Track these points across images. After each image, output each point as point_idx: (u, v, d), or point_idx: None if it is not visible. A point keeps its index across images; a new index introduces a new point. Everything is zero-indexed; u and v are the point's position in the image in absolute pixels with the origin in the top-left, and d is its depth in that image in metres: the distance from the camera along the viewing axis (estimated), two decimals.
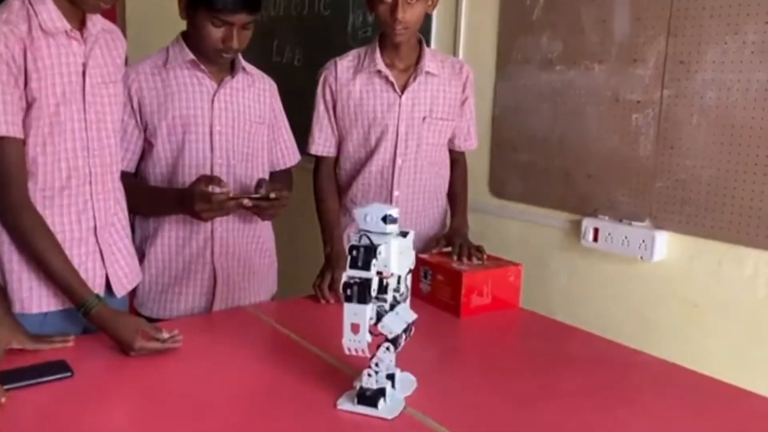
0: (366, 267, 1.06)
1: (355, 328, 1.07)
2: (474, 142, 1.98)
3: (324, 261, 1.74)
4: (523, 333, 1.60)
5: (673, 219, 1.81)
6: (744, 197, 1.65)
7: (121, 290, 1.45)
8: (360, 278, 1.07)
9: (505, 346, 1.49)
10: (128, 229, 1.52)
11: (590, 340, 1.51)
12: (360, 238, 1.08)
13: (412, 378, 1.18)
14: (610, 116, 1.93)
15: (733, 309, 1.71)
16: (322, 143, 1.83)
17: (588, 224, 1.97)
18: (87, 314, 1.27)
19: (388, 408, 1.10)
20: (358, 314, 1.07)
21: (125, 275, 1.47)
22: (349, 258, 1.07)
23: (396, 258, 1.10)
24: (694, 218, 1.76)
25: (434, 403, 1.15)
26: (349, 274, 1.07)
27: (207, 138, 1.59)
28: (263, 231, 1.75)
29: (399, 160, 1.80)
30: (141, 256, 1.64)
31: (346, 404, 1.11)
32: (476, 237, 1.96)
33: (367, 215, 1.09)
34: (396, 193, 1.82)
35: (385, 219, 1.09)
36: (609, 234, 1.92)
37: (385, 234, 1.09)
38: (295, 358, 1.32)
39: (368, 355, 1.10)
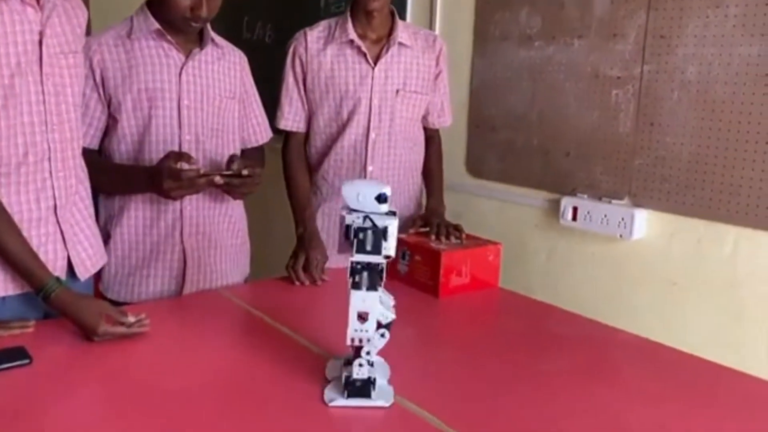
0: (377, 251, 1.00)
1: (362, 316, 1.01)
2: (448, 119, 1.94)
3: (297, 242, 1.69)
4: (503, 313, 1.57)
5: (652, 197, 1.79)
6: (725, 174, 1.63)
7: (84, 273, 1.38)
8: (368, 263, 1.01)
9: (486, 327, 1.46)
10: (91, 209, 1.45)
11: (571, 319, 1.48)
12: (364, 219, 1.01)
13: (384, 362, 1.13)
14: (590, 92, 1.89)
15: (712, 287, 1.70)
16: (292, 118, 1.77)
17: (567, 203, 1.95)
18: (47, 298, 1.20)
19: (381, 396, 1.04)
20: (366, 302, 1.00)
21: (88, 257, 1.40)
22: (355, 242, 1.00)
23: (395, 241, 1.04)
24: (674, 196, 1.74)
25: (416, 387, 1.10)
26: (355, 259, 1.00)
27: (174, 113, 1.52)
28: (235, 210, 1.69)
29: (372, 134, 1.75)
30: (106, 237, 1.57)
31: (338, 400, 1.03)
32: (454, 217, 1.92)
33: (359, 194, 1.03)
34: (370, 168, 1.77)
35: (379, 198, 1.03)
36: (588, 212, 1.90)
37: (381, 215, 1.03)
38: (269, 342, 1.27)
39: (376, 345, 1.03)
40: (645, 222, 1.81)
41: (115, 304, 1.46)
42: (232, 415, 1.01)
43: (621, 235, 1.83)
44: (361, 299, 1.00)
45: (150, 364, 1.18)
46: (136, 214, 1.56)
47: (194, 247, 1.60)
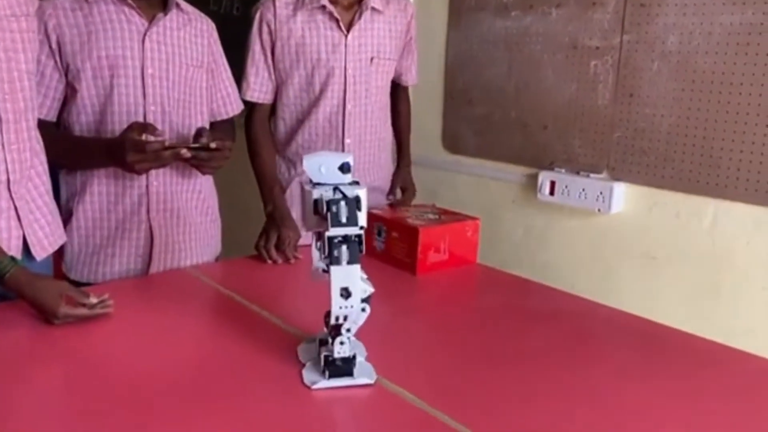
0: (353, 222, 0.94)
1: (345, 292, 0.95)
2: (415, 77, 1.89)
3: (267, 220, 1.62)
4: (482, 289, 1.53)
5: (631, 170, 1.76)
6: (705, 146, 1.61)
7: (41, 252, 1.30)
8: (345, 236, 0.95)
9: (465, 304, 1.42)
10: (49, 185, 1.36)
11: (552, 295, 1.45)
12: (333, 191, 0.96)
13: (358, 340, 1.08)
14: (568, 64, 1.85)
15: (691, 260, 1.68)
16: (258, 88, 1.69)
17: (544, 177, 1.91)
18: (1, 279, 1.12)
19: (363, 374, 1.00)
20: (349, 276, 0.95)
21: (46, 236, 1.32)
22: (329, 216, 0.94)
23: (365, 210, 0.98)
24: (653, 169, 1.72)
25: (395, 366, 1.06)
26: (332, 233, 0.95)
27: (138, 82, 1.44)
28: (204, 186, 1.62)
29: (349, 106, 1.68)
30: (68, 215, 1.48)
31: (320, 382, 0.98)
32: (429, 194, 1.87)
33: (321, 165, 0.97)
34: (348, 141, 1.71)
35: (343, 168, 0.97)
36: (566, 187, 1.87)
37: (348, 185, 0.98)
38: (241, 323, 1.21)
39: (357, 321, 0.98)
40: (623, 196, 1.79)
41: (78, 284, 1.38)
42: (205, 400, 0.95)
43: (599, 210, 1.80)
44: (343, 274, 0.95)
45: (115, 347, 1.11)
46: (99, 190, 1.47)
47: (161, 225, 1.53)
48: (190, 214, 1.58)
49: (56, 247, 1.38)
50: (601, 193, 1.79)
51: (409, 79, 1.87)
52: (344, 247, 0.95)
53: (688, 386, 1.03)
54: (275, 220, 1.60)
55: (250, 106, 1.72)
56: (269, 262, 1.55)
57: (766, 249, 1.56)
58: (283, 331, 1.18)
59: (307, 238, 1.54)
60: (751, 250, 1.58)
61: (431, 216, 1.65)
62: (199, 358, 1.10)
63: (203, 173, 1.53)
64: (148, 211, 1.50)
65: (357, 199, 0.95)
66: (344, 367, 0.98)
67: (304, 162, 0.98)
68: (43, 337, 1.11)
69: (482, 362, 1.10)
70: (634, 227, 1.78)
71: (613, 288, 1.81)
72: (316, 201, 0.96)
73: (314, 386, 0.98)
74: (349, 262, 0.94)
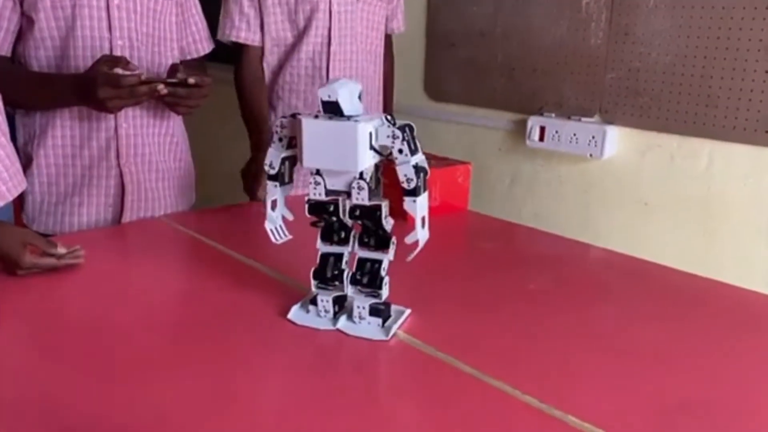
0: (417, 149, 0.88)
1: (423, 221, 0.90)
2: (402, 24, 1.79)
3: (254, 148, 1.56)
4: (476, 235, 1.46)
5: (624, 113, 1.70)
6: (702, 85, 1.55)
7: None
8: (417, 165, 0.87)
9: (461, 250, 1.35)
10: (5, 126, 1.23)
11: (548, 240, 1.39)
12: (384, 122, 0.87)
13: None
14: (558, 2, 1.77)
15: (685, 205, 1.64)
16: (245, 27, 1.56)
17: (534, 123, 1.84)
18: None
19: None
20: (425, 204, 0.91)
21: (3, 181, 1.20)
22: (406, 146, 0.85)
23: None
24: (647, 111, 1.66)
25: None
26: (416, 161, 0.86)
27: (103, 14, 1.31)
28: (176, 130, 1.50)
29: (334, 44, 1.58)
30: (27, 160, 1.36)
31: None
32: None
33: (352, 94, 0.87)
34: None
35: (360, 97, 0.89)
36: (556, 132, 1.80)
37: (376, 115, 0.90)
38: (224, 271, 1.12)
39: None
40: (616, 139, 1.73)
41: (43, 236, 1.28)
42: (188, 355, 0.86)
43: (591, 155, 1.74)
44: (424, 202, 0.89)
45: (86, 298, 1.01)
46: (63, 132, 1.35)
47: (132, 171, 1.41)
48: (163, 160, 1.47)
49: (15, 194, 1.24)
50: (593, 137, 1.73)
51: (395, 26, 1.76)
52: (422, 175, 0.88)
53: (706, 330, 0.98)
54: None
55: (241, 49, 1.58)
56: (258, 196, 1.47)
57: (764, 190, 1.52)
58: (273, 279, 1.09)
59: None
60: (749, 192, 1.54)
61: None
62: (180, 308, 1.01)
63: (178, 113, 1.42)
64: (117, 156, 1.39)
65: (412, 128, 0.89)
66: (385, 311, 0.94)
67: (328, 93, 0.85)
68: (5, 291, 1.01)
69: (486, 306, 1.03)
70: (627, 172, 1.73)
71: (603, 235, 1.76)
72: (370, 134, 0.86)
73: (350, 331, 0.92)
74: (425, 190, 0.89)
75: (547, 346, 0.90)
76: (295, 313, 0.95)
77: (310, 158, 0.87)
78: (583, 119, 1.76)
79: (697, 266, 1.55)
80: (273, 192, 0.92)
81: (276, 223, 0.94)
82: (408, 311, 0.98)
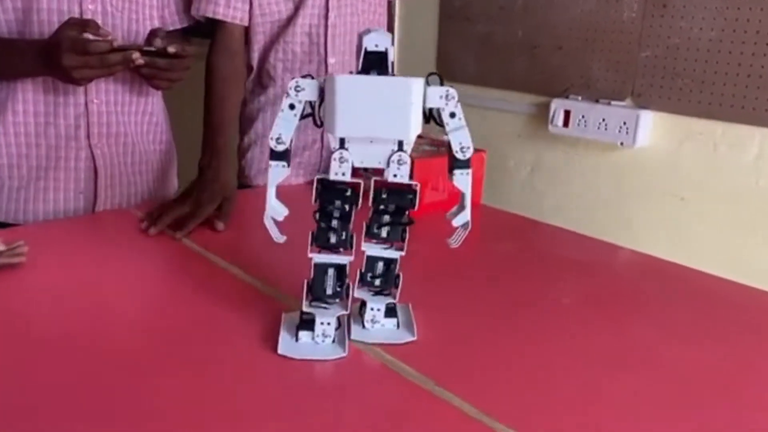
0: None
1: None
2: None
3: (199, 176, 1.23)
4: (490, 233, 1.28)
5: (661, 96, 1.52)
6: (753, 64, 1.37)
7: None
8: None
9: (472, 250, 1.17)
10: None
11: (573, 240, 1.22)
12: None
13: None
14: None
15: (728, 200, 1.46)
16: (223, 2, 1.31)
17: (557, 106, 1.66)
18: None
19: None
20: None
21: None
22: (456, 114, 0.72)
23: None
24: (687, 94, 1.47)
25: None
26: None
27: None
28: (155, 107, 1.34)
29: (332, 16, 1.40)
30: None
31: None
32: (423, 128, 1.60)
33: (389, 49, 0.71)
34: (331, 60, 1.43)
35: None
36: (583, 117, 1.62)
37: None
38: (201, 279, 0.96)
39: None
40: (651, 126, 1.55)
41: (3, 226, 1.13)
42: (156, 368, 0.71)
43: (622, 143, 1.56)
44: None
45: (44, 301, 0.86)
46: (25, 108, 1.19)
47: (105, 153, 1.25)
48: (139, 141, 1.31)
49: None
50: (624, 123, 1.55)
51: None
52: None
53: (754, 346, 0.81)
54: (216, 181, 1.20)
55: (216, 27, 1.35)
56: (178, 236, 1.11)
57: None
58: (254, 289, 0.93)
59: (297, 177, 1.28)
60: None
61: (427, 148, 1.40)
62: (153, 317, 0.85)
63: (157, 87, 1.25)
64: (88, 136, 1.23)
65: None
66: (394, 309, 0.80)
67: (370, 40, 0.69)
68: None
69: (501, 318, 0.87)
70: (663, 163, 1.55)
71: (634, 234, 1.59)
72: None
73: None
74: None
75: (573, 371, 0.74)
76: (286, 345, 0.76)
77: (344, 125, 0.69)
78: (614, 103, 1.58)
79: (741, 271, 1.37)
80: (279, 174, 0.73)
81: (281, 216, 0.74)
82: (409, 305, 0.83)
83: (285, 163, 0.73)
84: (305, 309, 0.76)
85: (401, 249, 0.78)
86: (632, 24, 1.53)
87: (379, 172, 0.74)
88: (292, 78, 1.40)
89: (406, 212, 0.77)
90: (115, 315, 0.84)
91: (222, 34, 1.35)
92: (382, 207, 0.76)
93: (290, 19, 1.40)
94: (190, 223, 1.12)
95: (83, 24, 1.05)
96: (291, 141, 0.73)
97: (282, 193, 0.75)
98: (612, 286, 1.00)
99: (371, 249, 0.78)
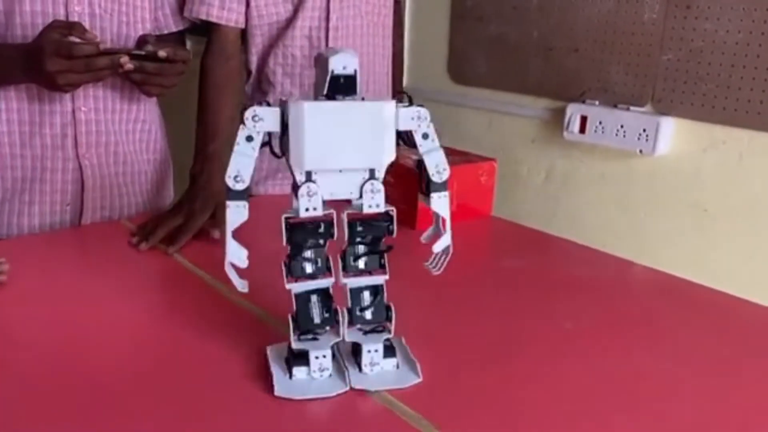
0: None
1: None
2: None
3: (190, 186, 1.18)
4: (500, 249, 1.21)
5: (683, 101, 1.43)
6: None
7: None
8: None
9: (480, 267, 1.11)
10: None
11: (589, 256, 1.14)
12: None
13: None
14: None
15: (754, 213, 1.37)
16: (218, 3, 1.24)
17: (573, 111, 1.58)
18: None
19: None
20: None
21: None
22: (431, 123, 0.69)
23: None
24: (711, 99, 1.38)
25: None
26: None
27: None
28: (149, 114, 1.28)
29: (333, 18, 1.33)
30: None
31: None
32: None
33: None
34: None
35: None
36: (600, 123, 1.54)
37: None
38: (192, 300, 0.91)
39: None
40: (672, 133, 1.46)
41: None
42: (134, 401, 0.65)
43: (641, 151, 1.48)
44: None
45: (23, 321, 0.81)
46: (9, 117, 1.14)
47: (94, 164, 1.20)
48: (131, 151, 1.25)
49: None
50: (644, 130, 1.46)
51: None
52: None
53: None
54: (207, 192, 1.15)
55: (211, 30, 1.29)
56: (171, 250, 1.05)
57: None
58: (241, 311, 0.87)
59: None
60: None
61: None
62: (131, 346, 0.79)
63: (148, 94, 1.19)
64: (75, 146, 1.18)
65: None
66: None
67: (337, 63, 0.62)
68: None
69: (509, 345, 0.80)
70: (684, 173, 1.46)
71: (652, 247, 1.50)
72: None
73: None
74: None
75: (590, 402, 0.66)
76: (282, 385, 0.68)
77: (313, 157, 0.63)
78: (633, 108, 1.50)
79: (765, 288, 1.30)
80: (239, 216, 0.65)
81: (244, 261, 0.67)
82: (402, 339, 0.77)
83: (245, 203, 0.65)
84: (295, 346, 0.69)
85: (384, 274, 0.72)
86: (653, 25, 1.44)
87: (347, 201, 0.68)
88: (292, 84, 1.37)
89: (382, 240, 0.71)
90: (96, 341, 0.78)
91: (216, 37, 1.29)
92: (358, 239, 0.69)
93: (289, 22, 1.33)
94: (183, 237, 1.06)
95: (68, 27, 1.00)
96: (251, 177, 0.66)
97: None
98: (623, 309, 0.92)
99: (352, 282, 0.71)
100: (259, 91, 1.42)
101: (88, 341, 0.78)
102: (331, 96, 0.63)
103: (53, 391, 0.67)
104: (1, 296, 0.87)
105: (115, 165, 1.23)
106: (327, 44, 1.34)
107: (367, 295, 0.72)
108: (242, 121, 0.63)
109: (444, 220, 0.70)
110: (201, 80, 1.27)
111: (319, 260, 0.70)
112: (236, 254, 0.66)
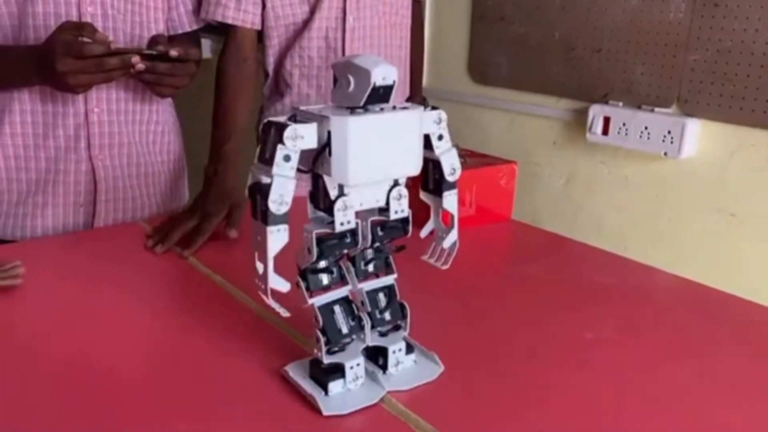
0: None
1: None
2: None
3: (204, 186, 1.17)
4: (520, 255, 1.18)
5: (710, 103, 1.38)
6: None
7: None
8: None
9: (499, 274, 1.07)
10: None
11: (613, 263, 1.10)
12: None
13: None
14: None
15: None
16: (233, 5, 1.23)
17: (596, 112, 1.54)
18: None
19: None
20: None
21: None
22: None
23: None
24: (740, 101, 1.34)
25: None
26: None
27: None
28: (162, 115, 1.27)
29: (350, 19, 1.31)
30: None
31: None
32: (451, 135, 1.51)
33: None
34: None
35: None
36: (623, 124, 1.49)
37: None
38: (205, 304, 0.89)
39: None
40: (698, 136, 1.42)
41: (1, 242, 1.08)
42: (143, 409, 0.63)
43: (666, 153, 1.44)
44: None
45: (39, 324, 0.80)
46: (23, 118, 1.14)
47: (107, 165, 1.19)
48: (144, 152, 1.24)
49: None
50: (669, 132, 1.42)
51: None
52: None
53: None
54: (224, 191, 1.15)
55: (228, 32, 1.28)
56: (186, 253, 1.04)
57: None
58: (264, 322, 0.85)
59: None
60: None
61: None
62: (153, 346, 0.77)
63: (161, 94, 1.18)
64: (88, 147, 1.17)
65: None
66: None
67: (377, 74, 0.59)
68: None
69: (529, 356, 0.77)
70: (710, 176, 1.41)
71: (677, 253, 1.46)
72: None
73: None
74: None
75: (616, 420, 0.63)
76: (326, 404, 0.65)
77: (357, 172, 0.61)
78: (657, 110, 1.45)
79: None
80: (281, 239, 0.61)
81: (286, 288, 0.63)
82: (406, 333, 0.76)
83: (287, 226, 0.61)
84: (327, 360, 0.67)
85: (393, 273, 0.72)
86: (679, 25, 1.40)
87: None
88: (309, 86, 1.34)
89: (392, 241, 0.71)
90: (110, 344, 0.76)
91: (232, 38, 1.28)
92: (377, 244, 0.68)
93: (306, 23, 1.31)
94: (199, 239, 1.05)
95: (78, 27, 0.99)
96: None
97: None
98: (646, 318, 0.89)
99: (367, 285, 0.70)
100: (277, 92, 1.40)
101: (102, 345, 0.76)
102: (370, 105, 0.61)
103: (67, 394, 0.66)
104: (15, 299, 0.86)
105: (128, 166, 1.22)
106: (343, 45, 1.32)
107: (382, 297, 0.71)
108: (280, 140, 0.59)
109: (452, 217, 0.71)
110: (216, 81, 1.26)
111: (334, 270, 0.68)
112: (277, 281, 0.62)
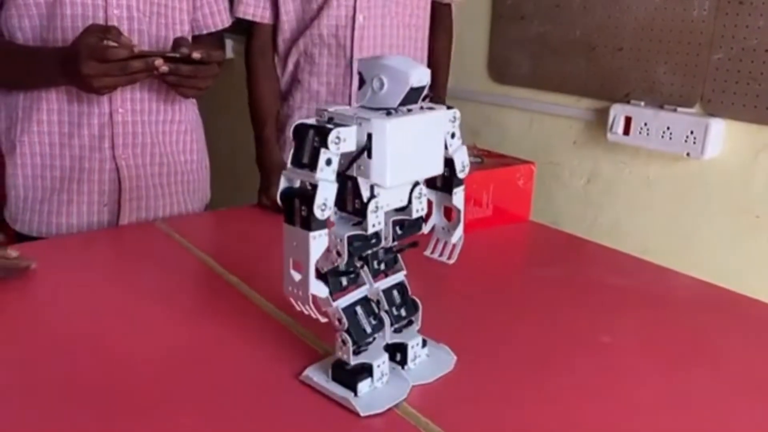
0: None
1: None
2: None
3: (261, 174, 1.35)
4: (538, 257, 1.18)
5: (734, 102, 1.37)
6: None
7: None
8: None
9: (516, 276, 1.07)
10: None
11: (633, 266, 1.10)
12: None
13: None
14: None
15: None
16: (253, 2, 1.32)
17: (617, 112, 1.53)
18: None
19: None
20: None
21: None
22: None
23: None
24: (764, 100, 1.32)
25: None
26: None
27: None
28: (186, 115, 1.29)
29: (360, 17, 1.31)
30: (11, 147, 1.19)
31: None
32: (470, 134, 1.51)
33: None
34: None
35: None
36: (645, 124, 1.48)
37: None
38: (220, 305, 0.90)
39: None
40: (722, 136, 1.40)
41: (26, 238, 1.10)
42: (155, 408, 0.64)
43: (689, 153, 1.42)
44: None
45: (57, 323, 0.82)
46: (50, 117, 1.16)
47: (131, 164, 1.21)
48: (168, 152, 1.26)
49: None
50: (692, 132, 1.41)
51: None
52: None
53: None
54: (265, 170, 1.34)
55: (249, 27, 1.35)
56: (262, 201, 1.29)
57: None
58: (276, 321, 0.86)
59: None
60: None
61: (471, 159, 1.30)
62: (173, 348, 0.79)
63: (185, 95, 1.20)
64: (113, 147, 1.19)
65: None
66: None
67: (414, 77, 0.61)
68: None
69: (546, 363, 0.77)
70: (734, 177, 1.39)
71: (700, 256, 1.44)
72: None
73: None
74: None
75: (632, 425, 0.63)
76: (360, 404, 0.65)
77: (394, 174, 0.61)
78: (680, 109, 1.44)
79: None
80: (322, 244, 0.60)
81: (325, 293, 0.63)
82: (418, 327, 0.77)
83: (327, 231, 0.61)
84: (354, 362, 0.67)
85: (401, 270, 0.73)
86: (703, 23, 1.38)
87: None
88: (319, 84, 1.35)
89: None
90: (128, 344, 0.78)
91: (256, 34, 1.35)
92: (395, 243, 0.69)
93: (315, 20, 1.32)
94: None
95: (104, 31, 1.01)
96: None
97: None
98: (666, 323, 0.88)
99: (383, 284, 0.71)
100: (286, 89, 1.41)
101: (116, 342, 0.78)
102: (402, 106, 0.63)
103: (82, 388, 0.67)
104: (34, 297, 0.88)
105: (151, 166, 1.24)
106: (352, 43, 1.32)
107: (396, 294, 0.72)
108: (323, 144, 0.58)
109: (459, 212, 0.72)
110: (247, 75, 1.37)
111: (352, 271, 0.69)
112: (318, 287, 0.62)
